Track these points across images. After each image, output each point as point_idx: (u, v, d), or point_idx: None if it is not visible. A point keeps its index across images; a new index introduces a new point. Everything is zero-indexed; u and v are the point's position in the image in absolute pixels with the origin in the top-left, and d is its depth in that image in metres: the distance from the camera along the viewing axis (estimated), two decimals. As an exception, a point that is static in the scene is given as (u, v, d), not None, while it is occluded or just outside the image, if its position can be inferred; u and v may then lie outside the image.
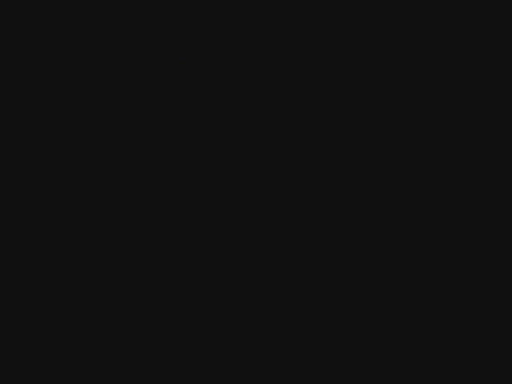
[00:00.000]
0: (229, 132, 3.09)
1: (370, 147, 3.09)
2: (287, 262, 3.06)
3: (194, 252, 3.07)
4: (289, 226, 3.07)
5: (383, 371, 3.03)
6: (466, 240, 3.06)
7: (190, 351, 3.04)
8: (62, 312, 3.04)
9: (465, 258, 3.06)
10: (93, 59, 3.09)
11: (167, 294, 3.05)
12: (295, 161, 3.08)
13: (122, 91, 3.09)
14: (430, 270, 3.06)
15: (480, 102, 3.09)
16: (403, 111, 3.09)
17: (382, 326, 3.05)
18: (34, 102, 3.09)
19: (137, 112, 3.09)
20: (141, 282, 3.06)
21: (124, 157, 3.08)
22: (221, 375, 3.03)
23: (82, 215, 3.06)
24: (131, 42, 3.10)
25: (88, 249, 3.05)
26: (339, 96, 3.09)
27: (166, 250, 3.06)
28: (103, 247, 3.05)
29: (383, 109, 3.09)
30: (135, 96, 3.09)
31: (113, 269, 3.05)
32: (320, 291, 3.06)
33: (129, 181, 3.07)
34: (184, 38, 3.10)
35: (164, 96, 3.09)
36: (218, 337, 3.04)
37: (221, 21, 3.11)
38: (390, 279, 3.06)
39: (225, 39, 3.10)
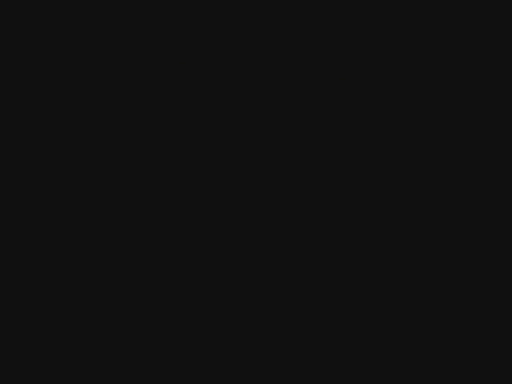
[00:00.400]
0: (229, 132, 3.09)
1: (370, 147, 3.09)
2: (287, 262, 3.06)
3: (194, 252, 3.07)
4: (289, 226, 3.07)
5: (383, 371, 3.03)
6: (466, 240, 3.06)
7: (190, 351, 3.04)
8: (61, 312, 3.04)
9: (465, 257, 3.06)
10: (93, 59, 3.10)
11: (167, 294, 3.05)
12: (295, 161, 3.08)
13: (122, 91, 3.09)
14: (429, 269, 3.06)
15: (480, 102, 3.09)
16: (403, 111, 3.10)
17: (381, 325, 3.05)
18: (33, 103, 3.09)
19: (137, 112, 3.09)
20: (141, 283, 3.06)
21: (124, 157, 3.08)
22: (221, 375, 3.03)
23: (82, 215, 3.06)
24: (131, 42, 3.10)
25: (88, 249, 3.05)
26: (339, 96, 3.09)
27: (166, 251, 3.06)
28: (103, 247, 3.05)
29: (383, 109, 3.10)
30: (135, 96, 3.09)
31: (113, 269, 3.05)
32: (320, 291, 3.06)
33: (129, 181, 3.07)
34: (184, 38, 3.10)
35: (164, 96, 3.10)
36: (217, 337, 3.05)
37: (221, 21, 3.11)
38: (389, 279, 3.06)
39: (225, 39, 3.11)
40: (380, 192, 3.08)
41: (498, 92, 3.09)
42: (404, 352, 3.04)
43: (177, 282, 3.06)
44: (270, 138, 3.09)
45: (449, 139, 3.09)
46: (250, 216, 3.07)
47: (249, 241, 3.07)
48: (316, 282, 3.06)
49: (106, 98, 3.09)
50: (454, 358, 3.03)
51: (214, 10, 3.11)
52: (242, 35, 3.11)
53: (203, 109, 3.10)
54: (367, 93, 3.09)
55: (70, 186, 3.07)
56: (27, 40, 3.09)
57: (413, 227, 3.07)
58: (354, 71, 3.10)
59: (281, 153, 3.09)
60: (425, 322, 3.04)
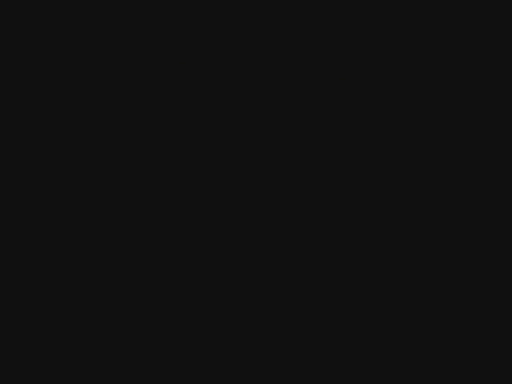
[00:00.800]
0: (229, 132, 3.09)
1: (370, 147, 3.09)
2: (287, 261, 3.06)
3: (194, 252, 3.07)
4: (288, 226, 3.07)
5: (383, 371, 3.03)
6: (466, 240, 3.07)
7: (190, 351, 3.04)
8: (61, 312, 3.04)
9: (465, 258, 3.06)
10: (93, 59, 3.10)
11: (167, 294, 3.05)
12: (295, 161, 3.08)
13: (122, 91, 3.09)
14: (429, 270, 3.06)
15: (480, 102, 3.09)
16: (403, 111, 3.10)
17: (381, 326, 3.05)
18: (33, 102, 3.09)
19: (137, 112, 3.09)
20: (141, 282, 3.06)
21: (124, 157, 3.08)
22: (221, 375, 3.03)
23: (82, 215, 3.06)
24: (131, 42, 3.10)
25: (88, 249, 3.05)
26: (339, 96, 3.09)
27: (166, 250, 3.06)
28: (103, 247, 3.05)
29: (383, 109, 3.10)
30: (135, 96, 3.09)
31: (113, 269, 3.05)
32: (320, 291, 3.06)
33: (129, 181, 3.07)
34: (184, 38, 3.10)
35: (164, 96, 3.10)
36: (217, 337, 3.05)
37: (221, 21, 3.11)
38: (389, 279, 3.06)
39: (225, 39, 3.11)
40: (380, 192, 3.08)
41: (498, 92, 3.09)
42: (404, 352, 3.04)
43: (177, 281, 3.06)
44: (270, 138, 3.09)
45: (449, 139, 3.09)
46: (249, 216, 3.07)
47: (248, 241, 3.07)
48: (316, 282, 3.06)
49: (106, 97, 3.09)
50: (454, 357, 3.03)
51: (213, 10, 3.11)
52: (242, 35, 3.11)
53: (203, 109, 3.10)
54: (367, 93, 3.09)
55: (69, 186, 3.07)
56: (27, 40, 3.09)
57: (412, 227, 3.07)
58: (354, 71, 3.10)
59: (281, 153, 3.09)
60: (425, 322, 3.04)
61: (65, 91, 3.09)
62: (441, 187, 3.08)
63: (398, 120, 3.09)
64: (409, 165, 3.08)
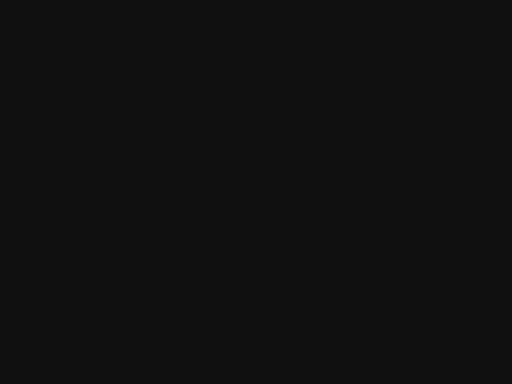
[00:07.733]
0: (228, 132, 3.09)
1: (370, 147, 3.09)
2: (287, 262, 3.06)
3: (194, 252, 3.07)
4: (288, 226, 3.07)
5: (383, 371, 3.03)
6: (466, 240, 3.07)
7: (190, 351, 3.04)
8: (61, 312, 3.04)
9: (465, 258, 3.06)
10: (93, 59, 3.10)
11: (167, 294, 3.05)
12: (295, 161, 3.08)
13: (122, 91, 3.09)
14: (430, 270, 3.06)
15: (480, 102, 3.09)
16: (403, 111, 3.09)
17: (382, 326, 3.05)
18: (33, 102, 3.09)
19: (136, 112, 3.09)
20: (141, 283, 3.06)
21: (124, 157, 3.08)
22: (221, 375, 3.03)
23: (82, 215, 3.06)
24: (131, 42, 3.10)
25: (88, 249, 3.06)
26: (339, 96, 3.09)
27: (166, 250, 3.06)
28: (103, 247, 3.06)
29: (383, 109, 3.09)
30: (135, 96, 3.09)
31: (113, 269, 3.05)
32: (320, 291, 3.06)
33: (128, 181, 3.07)
34: (184, 37, 3.10)
35: (164, 96, 3.09)
36: (217, 337, 3.05)
37: (220, 21, 3.11)
38: (390, 279, 3.06)
39: (224, 39, 3.11)
40: (379, 192, 3.08)
41: (498, 92, 3.09)
42: (404, 352, 3.04)
43: (177, 282, 3.06)
44: (269, 139, 3.09)
45: (448, 139, 3.09)
46: (249, 216, 3.07)
47: (248, 241, 3.07)
48: (316, 282, 3.06)
49: (105, 97, 3.09)
50: (454, 358, 3.03)
51: (213, 10, 3.11)
52: (242, 35, 3.11)
53: (203, 109, 3.10)
54: (367, 93, 3.09)
55: (69, 186, 3.07)
56: (27, 40, 3.09)
57: (412, 227, 3.07)
58: (353, 71, 3.10)
59: (280, 153, 3.09)
60: (425, 323, 3.04)
61: (65, 91, 3.09)
62: (440, 187, 3.08)
63: (397, 120, 3.09)
64: (409, 165, 3.08)
